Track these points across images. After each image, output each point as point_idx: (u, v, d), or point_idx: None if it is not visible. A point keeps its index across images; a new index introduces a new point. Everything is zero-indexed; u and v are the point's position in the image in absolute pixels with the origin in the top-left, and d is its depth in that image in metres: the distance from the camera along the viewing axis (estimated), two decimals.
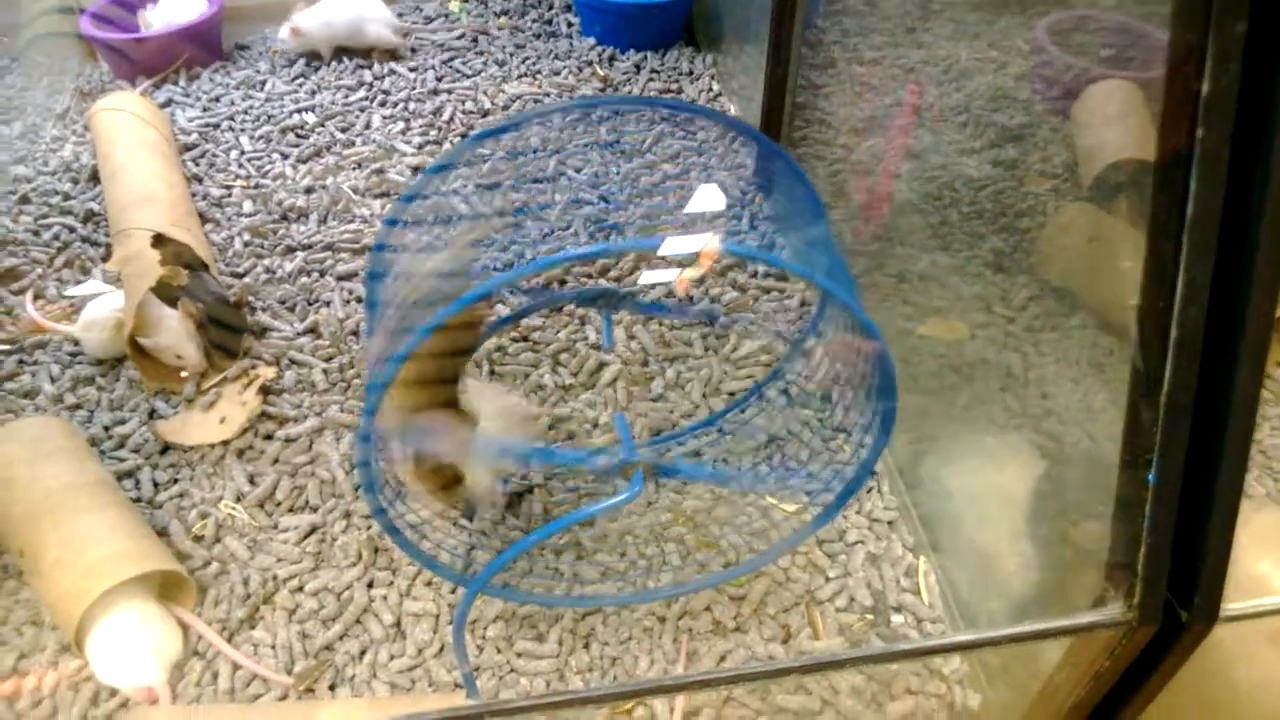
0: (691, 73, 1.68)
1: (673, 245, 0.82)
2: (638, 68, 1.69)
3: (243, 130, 1.52)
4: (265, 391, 1.12)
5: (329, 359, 1.17)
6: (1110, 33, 0.94)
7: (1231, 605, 0.60)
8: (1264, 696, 0.84)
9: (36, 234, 1.33)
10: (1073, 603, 0.81)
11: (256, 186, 1.41)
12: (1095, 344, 0.86)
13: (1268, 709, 0.85)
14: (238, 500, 1.02)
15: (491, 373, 1.14)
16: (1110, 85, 0.95)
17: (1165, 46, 0.48)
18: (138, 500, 1.02)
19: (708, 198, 0.84)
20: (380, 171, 1.42)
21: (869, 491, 1.03)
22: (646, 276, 1.23)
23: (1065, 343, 0.90)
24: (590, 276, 1.26)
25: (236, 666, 0.89)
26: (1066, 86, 0.96)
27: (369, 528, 0.99)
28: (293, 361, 1.16)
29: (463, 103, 1.57)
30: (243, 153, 1.47)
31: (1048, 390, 0.91)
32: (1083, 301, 0.89)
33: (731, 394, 1.11)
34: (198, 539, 0.99)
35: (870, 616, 0.92)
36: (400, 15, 1.75)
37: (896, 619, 0.93)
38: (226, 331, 1.18)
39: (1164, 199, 0.50)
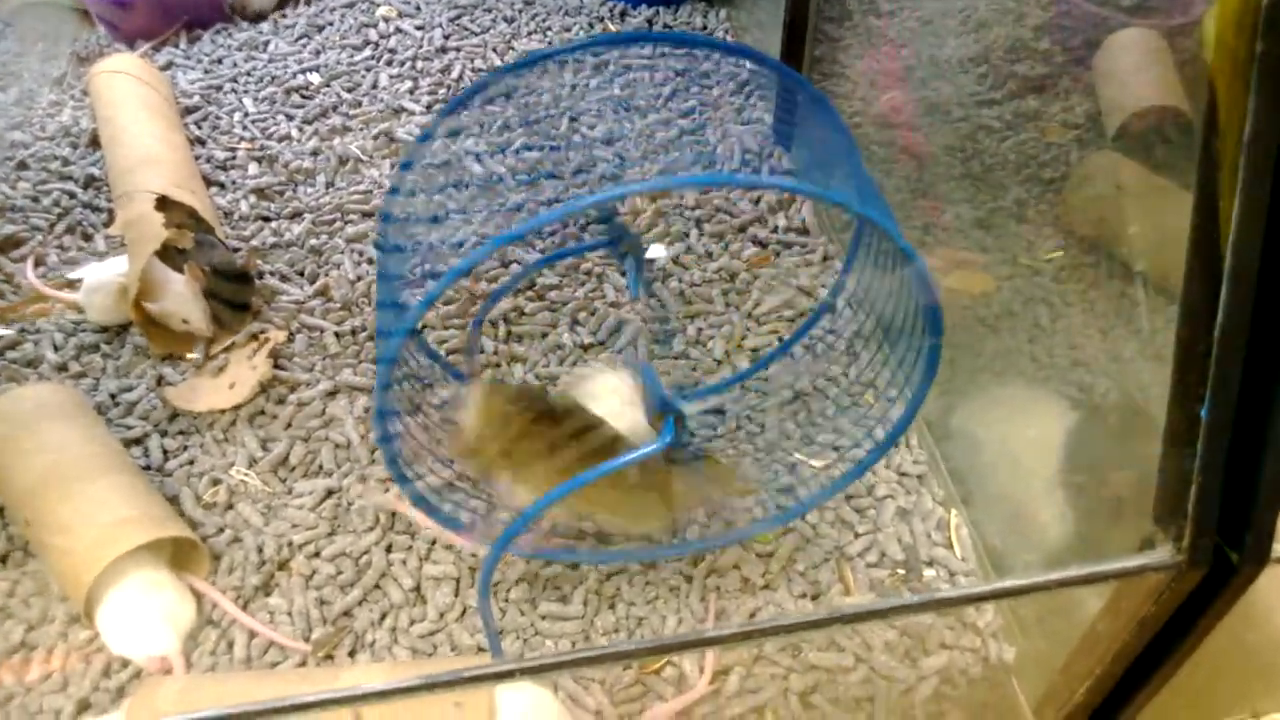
0: (705, 28, 1.64)
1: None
2: (650, 23, 1.65)
3: (246, 92, 1.49)
4: (275, 355, 1.10)
5: (341, 321, 1.14)
6: None
7: None
8: None
9: (36, 200, 1.31)
10: (1108, 552, 0.78)
11: (261, 149, 1.38)
12: (1123, 293, 0.83)
13: None
14: (250, 466, 1.00)
15: (509, 334, 1.12)
16: (1132, 34, 0.92)
17: None
18: (147, 468, 1.00)
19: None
20: (388, 132, 1.40)
21: (897, 446, 1.01)
22: (653, 250, 1.20)
23: (1093, 292, 0.88)
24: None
25: (253, 634, 0.88)
26: (1087, 36, 0.93)
27: (386, 491, 0.97)
28: (303, 325, 1.14)
29: (471, 60, 1.54)
30: (246, 114, 1.45)
31: (1076, 340, 0.88)
32: (1110, 250, 0.86)
33: (755, 350, 1.09)
34: (209, 506, 0.97)
35: (902, 571, 0.90)
36: None
37: (929, 573, 0.90)
38: (234, 296, 1.15)
39: (1220, 121, 0.47)
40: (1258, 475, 0.54)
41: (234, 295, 1.15)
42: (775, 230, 1.24)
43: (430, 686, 0.55)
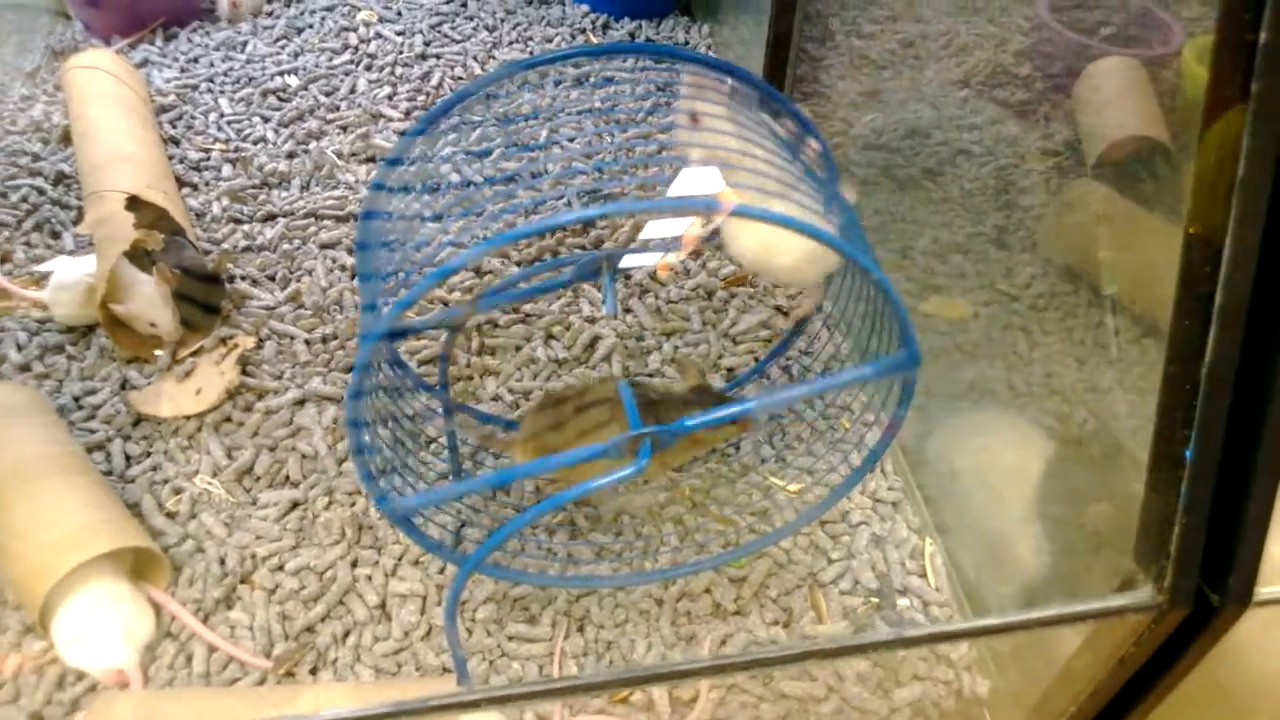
0: (687, 43, 1.63)
1: (659, 227, 0.79)
2: (632, 36, 1.64)
3: (222, 92, 1.46)
4: (244, 362, 1.08)
5: (311, 329, 1.12)
6: (1112, 10, 0.92)
7: (1263, 589, 0.57)
8: None
9: (4, 195, 1.28)
10: (1085, 586, 0.78)
11: (236, 150, 1.36)
12: (1101, 323, 0.83)
13: None
14: (214, 475, 0.98)
15: (482, 346, 1.10)
16: (1113, 63, 0.92)
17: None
18: (108, 474, 0.97)
19: (696, 180, 0.79)
20: (366, 137, 1.38)
21: (872, 471, 1.00)
22: (628, 260, 1.19)
23: (1071, 321, 0.87)
24: (584, 248, 1.22)
25: (212, 649, 0.85)
26: (1068, 64, 0.93)
27: (353, 504, 0.95)
28: (273, 331, 1.12)
29: (451, 68, 1.52)
30: (222, 115, 1.42)
31: (1054, 369, 0.88)
32: (1089, 279, 0.86)
33: (730, 370, 1.07)
34: (171, 515, 0.95)
35: (875, 599, 0.89)
36: None
37: (902, 602, 0.89)
38: (203, 299, 1.13)
39: (1213, 157, 0.47)
40: (1241, 516, 0.54)
41: (204, 296, 1.12)
42: None
43: (395, 715, 0.53)
